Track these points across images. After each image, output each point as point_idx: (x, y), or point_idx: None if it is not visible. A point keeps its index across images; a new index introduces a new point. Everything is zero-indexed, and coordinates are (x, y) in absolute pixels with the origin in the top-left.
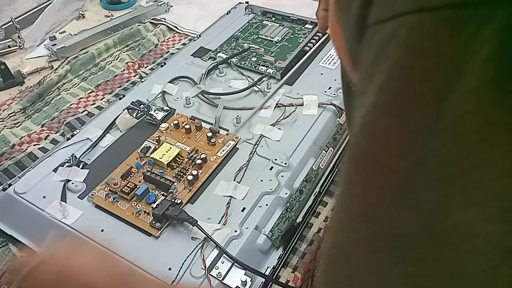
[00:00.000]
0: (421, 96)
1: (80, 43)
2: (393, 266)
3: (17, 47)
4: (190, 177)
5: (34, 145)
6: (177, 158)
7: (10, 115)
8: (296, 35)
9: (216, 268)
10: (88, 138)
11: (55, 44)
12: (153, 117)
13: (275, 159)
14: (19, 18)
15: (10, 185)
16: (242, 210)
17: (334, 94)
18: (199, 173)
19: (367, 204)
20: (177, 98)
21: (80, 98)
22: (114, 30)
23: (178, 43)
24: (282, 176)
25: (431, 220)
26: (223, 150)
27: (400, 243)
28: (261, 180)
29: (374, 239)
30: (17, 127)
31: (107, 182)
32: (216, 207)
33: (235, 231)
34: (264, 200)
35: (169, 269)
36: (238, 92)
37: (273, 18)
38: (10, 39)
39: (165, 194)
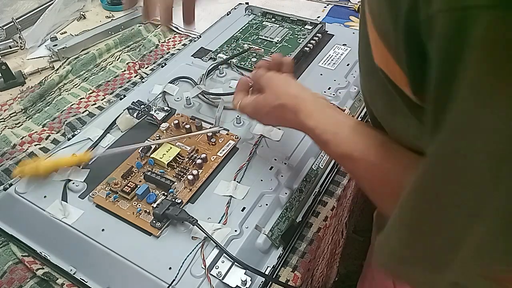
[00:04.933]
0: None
1: (81, 43)
2: None
3: (18, 48)
4: (190, 177)
5: (35, 145)
6: (177, 158)
7: (11, 115)
8: (296, 35)
9: (216, 267)
10: (89, 138)
11: (56, 45)
12: (154, 117)
13: (275, 159)
14: (20, 19)
15: (11, 185)
16: (242, 210)
17: (333, 94)
18: (199, 173)
19: None
20: (178, 98)
21: (81, 98)
22: (115, 31)
23: (178, 43)
24: (282, 176)
25: None
26: (223, 150)
27: None
28: (261, 180)
29: None
30: (18, 127)
31: (107, 182)
32: (216, 207)
33: (235, 230)
34: (264, 199)
35: (169, 268)
36: None
37: (273, 19)
38: (11, 40)
39: (166, 193)
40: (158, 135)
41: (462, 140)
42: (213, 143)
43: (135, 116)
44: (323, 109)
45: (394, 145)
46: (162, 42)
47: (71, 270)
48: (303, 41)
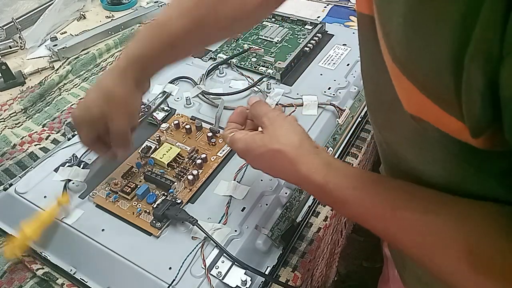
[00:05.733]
0: None
1: (81, 43)
2: None
3: (18, 48)
4: (190, 177)
5: (35, 145)
6: (177, 158)
7: (11, 115)
8: (296, 35)
9: (216, 267)
10: None
11: (56, 45)
12: (154, 117)
13: None
14: (20, 19)
15: (11, 185)
16: (242, 210)
17: (333, 95)
18: (199, 173)
19: None
20: (178, 98)
21: (81, 99)
22: (115, 31)
23: None
24: None
25: None
26: (223, 150)
27: None
28: (261, 180)
29: None
30: (18, 127)
31: (107, 182)
32: (216, 207)
33: (235, 230)
34: (264, 199)
35: (169, 268)
36: (238, 93)
37: (273, 19)
38: (11, 40)
39: (166, 194)
40: (158, 135)
41: None
42: (213, 143)
43: None
44: (329, 163)
45: (438, 196)
46: None
47: (71, 270)
48: (303, 41)
